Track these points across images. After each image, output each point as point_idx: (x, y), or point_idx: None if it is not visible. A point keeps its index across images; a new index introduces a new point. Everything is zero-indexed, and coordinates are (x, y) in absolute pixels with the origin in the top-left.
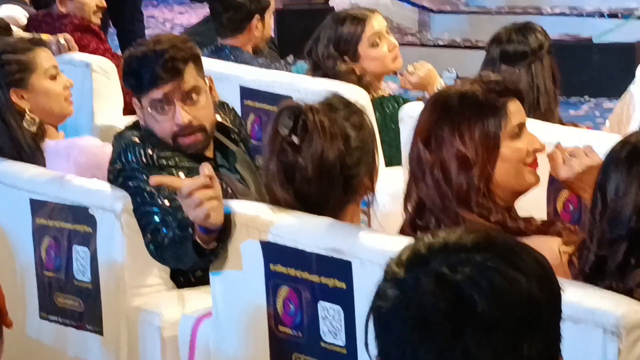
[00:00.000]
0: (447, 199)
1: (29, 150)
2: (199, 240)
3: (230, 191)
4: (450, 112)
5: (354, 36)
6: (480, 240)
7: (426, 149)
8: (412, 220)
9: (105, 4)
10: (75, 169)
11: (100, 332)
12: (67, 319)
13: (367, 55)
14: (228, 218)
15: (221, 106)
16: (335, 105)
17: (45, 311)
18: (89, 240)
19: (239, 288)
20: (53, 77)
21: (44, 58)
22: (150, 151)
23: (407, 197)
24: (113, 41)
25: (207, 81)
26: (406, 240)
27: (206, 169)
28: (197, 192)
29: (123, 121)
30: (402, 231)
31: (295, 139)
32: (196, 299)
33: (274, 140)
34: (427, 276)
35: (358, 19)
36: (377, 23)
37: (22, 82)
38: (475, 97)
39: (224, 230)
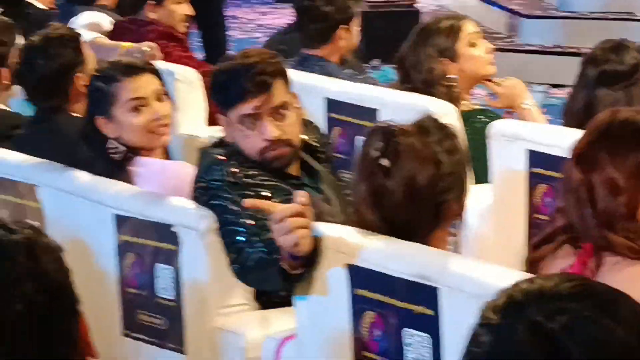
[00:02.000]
0: (586, 220)
1: (103, 176)
2: (285, 266)
3: (315, 211)
4: (610, 136)
5: (453, 35)
6: (578, 288)
7: (577, 167)
8: (565, 228)
9: (193, 12)
10: (163, 192)
11: (183, 351)
12: (150, 337)
13: (465, 54)
14: (316, 242)
15: (306, 124)
16: (428, 128)
17: (128, 328)
18: (172, 258)
19: (323, 312)
20: (136, 109)
21: (127, 89)
22: (235, 169)
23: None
24: (192, 44)
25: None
26: (494, 268)
27: (302, 197)
28: (289, 219)
29: (206, 132)
30: (552, 234)
31: (385, 162)
32: (280, 320)
33: (363, 162)
34: (522, 324)
35: (455, 21)
36: (472, 25)
37: (106, 111)
38: (638, 126)
39: (311, 256)
